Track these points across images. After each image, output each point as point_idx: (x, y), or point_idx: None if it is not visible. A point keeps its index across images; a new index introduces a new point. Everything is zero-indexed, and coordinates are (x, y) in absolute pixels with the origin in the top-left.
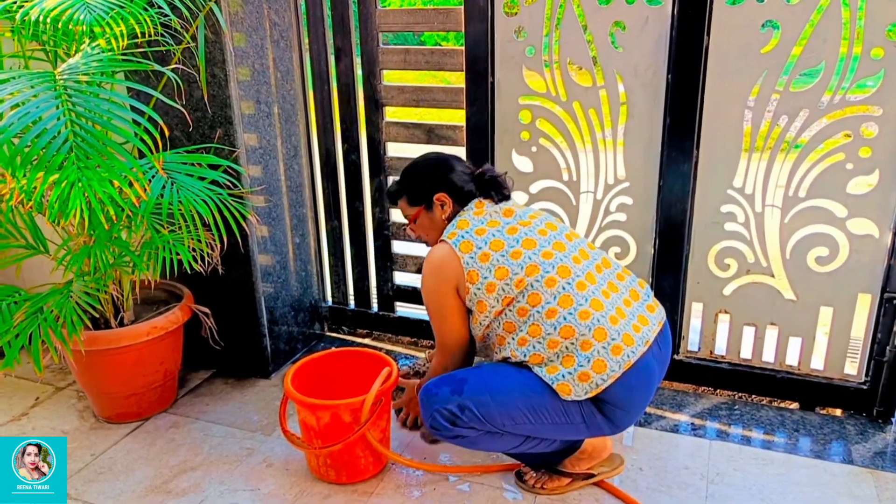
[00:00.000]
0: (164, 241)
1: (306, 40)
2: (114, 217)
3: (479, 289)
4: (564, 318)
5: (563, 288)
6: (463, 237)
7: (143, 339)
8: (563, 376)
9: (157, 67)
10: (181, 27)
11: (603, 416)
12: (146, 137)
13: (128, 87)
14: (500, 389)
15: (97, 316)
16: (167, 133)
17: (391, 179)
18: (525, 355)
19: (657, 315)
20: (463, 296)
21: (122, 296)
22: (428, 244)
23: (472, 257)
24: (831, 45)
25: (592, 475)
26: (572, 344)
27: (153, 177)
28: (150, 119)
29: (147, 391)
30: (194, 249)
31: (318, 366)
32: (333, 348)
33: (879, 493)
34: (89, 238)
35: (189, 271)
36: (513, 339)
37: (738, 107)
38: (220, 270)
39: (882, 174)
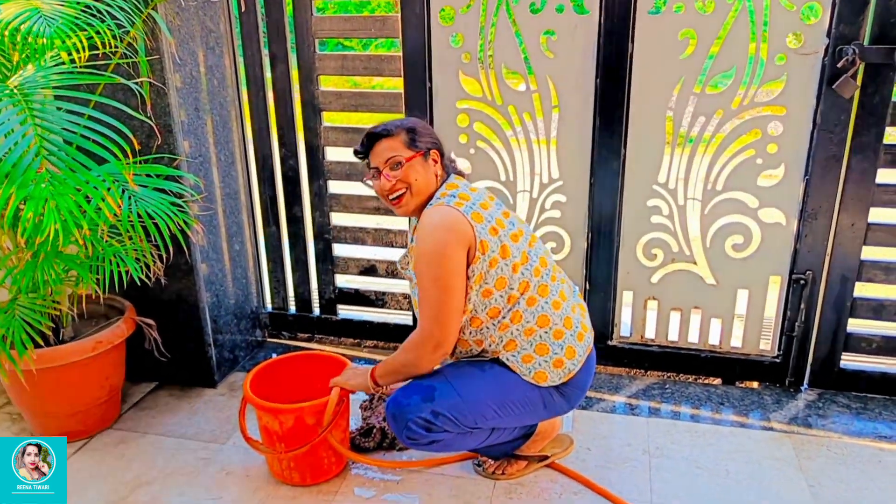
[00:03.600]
0: (110, 254)
1: (240, 47)
2: (87, 232)
3: (484, 262)
4: (542, 308)
5: (542, 278)
6: (472, 208)
7: (88, 354)
8: (539, 364)
9: (122, 81)
10: (119, 36)
11: (561, 396)
12: (115, 150)
13: (56, 96)
14: (469, 390)
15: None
16: (137, 146)
17: (331, 183)
18: (502, 340)
19: (584, 303)
20: (471, 263)
21: (62, 311)
22: (398, 199)
23: (483, 228)
24: (741, 52)
25: (546, 457)
26: (546, 333)
27: (118, 190)
28: (120, 131)
29: (92, 408)
30: (138, 260)
31: (274, 370)
32: (280, 354)
33: (797, 453)
34: (31, 254)
35: (139, 283)
36: (494, 323)
37: (661, 108)
38: (164, 282)
39: (787, 168)
